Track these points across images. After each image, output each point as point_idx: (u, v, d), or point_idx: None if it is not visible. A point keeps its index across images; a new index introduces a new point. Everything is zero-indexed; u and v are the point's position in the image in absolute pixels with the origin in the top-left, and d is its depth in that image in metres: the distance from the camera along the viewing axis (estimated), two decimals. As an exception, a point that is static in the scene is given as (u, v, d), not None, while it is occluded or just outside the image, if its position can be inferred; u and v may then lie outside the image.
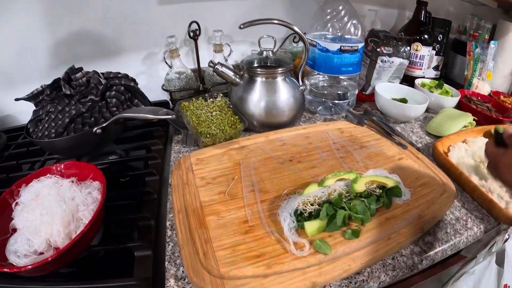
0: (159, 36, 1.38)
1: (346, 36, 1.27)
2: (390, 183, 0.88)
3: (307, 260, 0.72)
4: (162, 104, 1.43)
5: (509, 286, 1.23)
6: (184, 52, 1.48)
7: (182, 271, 0.73)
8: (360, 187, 0.84)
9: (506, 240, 1.19)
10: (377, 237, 0.79)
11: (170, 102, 1.44)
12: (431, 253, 0.82)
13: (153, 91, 1.41)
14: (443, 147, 1.19)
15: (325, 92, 1.36)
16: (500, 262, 1.19)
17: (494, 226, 0.96)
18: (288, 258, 0.72)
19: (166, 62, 1.37)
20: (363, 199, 0.84)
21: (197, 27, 1.35)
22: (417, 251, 0.81)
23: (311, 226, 0.77)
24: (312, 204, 0.80)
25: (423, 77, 1.70)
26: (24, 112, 1.12)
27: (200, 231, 0.78)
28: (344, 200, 0.82)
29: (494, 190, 1.01)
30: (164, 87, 1.39)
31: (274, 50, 1.25)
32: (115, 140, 1.19)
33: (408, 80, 1.65)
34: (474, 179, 1.05)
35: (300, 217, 0.79)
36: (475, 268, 1.18)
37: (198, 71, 1.43)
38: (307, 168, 1.01)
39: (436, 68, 1.84)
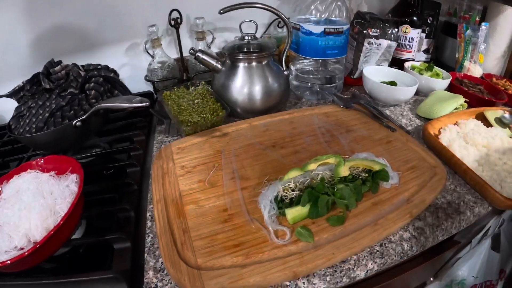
0: (141, 26, 1.35)
1: (331, 18, 1.24)
2: (376, 167, 0.85)
3: (288, 248, 0.70)
4: (146, 95, 1.40)
5: (505, 271, 1.22)
6: (167, 41, 1.45)
7: (161, 262, 0.71)
8: (344, 171, 0.80)
9: (501, 224, 1.17)
10: (363, 223, 0.76)
11: (154, 92, 1.40)
12: (422, 238, 0.79)
13: (137, 82, 1.39)
14: (434, 130, 1.17)
15: (311, 76, 1.33)
16: (495, 246, 1.17)
17: (487, 210, 0.93)
18: (268, 247, 0.70)
19: (148, 52, 1.34)
20: (348, 183, 0.81)
21: (178, 15, 1.31)
22: (407, 237, 0.78)
23: (292, 213, 0.75)
24: (293, 190, 0.78)
25: (413, 60, 1.68)
26: (10, 110, 1.09)
27: (178, 220, 0.76)
28: (327, 185, 0.79)
29: (487, 172, 0.99)
30: (147, 78, 1.35)
31: (257, 35, 1.22)
32: (98, 132, 1.17)
33: (397, 63, 1.62)
34: (467, 161, 1.02)
35: (281, 203, 0.77)
36: (470, 254, 1.17)
37: (181, 60, 1.39)
38: (291, 154, 0.98)
39: (426, 51, 1.81)
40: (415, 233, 0.79)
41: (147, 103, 0.92)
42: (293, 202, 0.77)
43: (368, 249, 0.74)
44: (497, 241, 1.18)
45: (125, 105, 0.93)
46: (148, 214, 0.84)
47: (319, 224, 0.75)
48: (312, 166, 0.82)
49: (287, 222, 0.75)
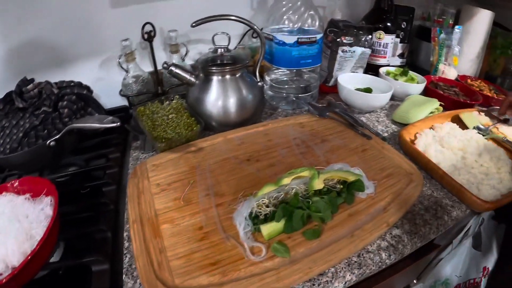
0: (115, 40, 1.33)
1: (304, 28, 1.24)
2: (351, 178, 0.85)
3: (265, 265, 0.69)
4: (121, 109, 1.39)
5: (488, 268, 1.23)
6: (141, 55, 1.43)
7: (139, 283, 0.70)
8: (318, 184, 0.80)
9: (481, 223, 1.18)
10: (340, 235, 0.76)
11: (129, 107, 1.38)
12: (399, 246, 0.79)
13: (113, 97, 1.37)
14: (409, 135, 1.18)
15: (286, 86, 1.33)
16: (476, 245, 1.18)
17: (465, 213, 0.94)
18: (244, 264, 0.69)
19: (121, 67, 1.32)
20: (323, 196, 0.81)
21: (151, 28, 1.30)
22: (384, 246, 0.78)
23: (267, 229, 0.74)
24: (267, 206, 0.77)
25: (388, 65, 1.69)
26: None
27: (154, 240, 0.75)
28: (302, 198, 0.79)
29: (464, 176, 1.00)
30: (121, 93, 1.34)
31: (231, 47, 1.21)
32: (74, 150, 1.14)
33: (373, 69, 1.63)
34: (443, 166, 1.03)
35: (256, 220, 0.76)
36: (452, 254, 1.18)
37: (156, 74, 1.38)
38: (266, 167, 0.98)
39: (401, 55, 1.83)
40: (393, 242, 0.79)
41: (118, 123, 0.91)
42: (268, 218, 0.76)
43: (346, 261, 0.74)
44: (478, 240, 1.19)
45: (96, 125, 0.91)
46: (125, 234, 0.82)
47: (295, 238, 0.75)
48: (286, 181, 0.82)
49: (263, 238, 0.74)
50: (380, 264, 0.75)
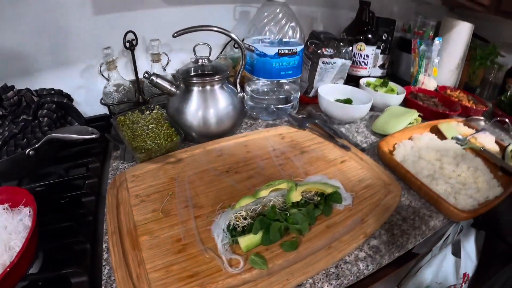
0: (96, 48, 1.32)
1: (285, 40, 1.24)
2: (328, 190, 0.85)
3: (242, 277, 0.69)
4: (102, 118, 1.37)
5: (468, 274, 1.24)
6: (123, 63, 1.43)
7: (118, 295, 0.69)
8: (295, 196, 0.81)
9: (460, 231, 1.20)
10: (317, 247, 0.77)
11: (109, 116, 1.37)
12: (377, 257, 0.80)
13: (94, 105, 1.35)
14: (388, 146, 1.19)
15: (267, 97, 1.34)
16: (456, 252, 1.20)
17: (443, 223, 0.95)
18: (222, 276, 0.69)
19: (102, 75, 1.31)
20: (300, 208, 0.81)
21: (133, 37, 1.30)
22: (362, 257, 0.79)
23: (245, 241, 0.74)
24: (245, 218, 0.77)
25: (369, 76, 1.71)
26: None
27: (133, 252, 0.74)
28: (280, 211, 0.79)
29: (442, 186, 1.01)
30: (102, 101, 1.33)
31: (212, 57, 1.22)
32: (54, 159, 1.13)
33: (353, 80, 1.65)
34: (421, 176, 1.05)
35: (234, 232, 0.76)
36: (431, 261, 1.19)
37: (137, 83, 1.37)
38: (244, 179, 0.98)
39: (382, 66, 1.85)
40: (371, 252, 0.80)
41: (97, 135, 0.91)
42: (246, 230, 0.76)
43: (324, 272, 0.74)
44: (457, 247, 1.20)
45: (75, 136, 0.91)
46: (104, 245, 0.81)
47: (272, 250, 0.75)
48: (264, 193, 0.82)
49: (241, 250, 0.74)
50: (358, 274, 0.76)
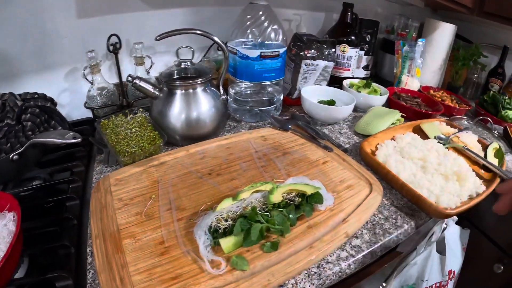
0: (81, 51, 1.32)
1: (267, 42, 1.25)
2: (309, 190, 0.86)
3: (224, 278, 0.69)
4: (86, 122, 1.37)
5: (454, 271, 1.25)
6: (107, 66, 1.43)
7: (103, 299, 0.69)
8: (276, 197, 0.81)
9: (444, 228, 1.21)
10: (298, 247, 0.77)
11: (94, 119, 1.37)
12: (359, 256, 0.81)
13: (78, 108, 1.35)
14: (370, 146, 1.20)
15: (249, 99, 1.34)
16: (441, 250, 1.21)
17: (425, 221, 0.98)
18: (204, 278, 0.69)
19: (86, 79, 1.31)
20: (281, 209, 0.82)
21: (117, 40, 1.30)
22: (344, 256, 0.80)
23: (226, 243, 0.74)
24: (226, 220, 0.77)
25: (352, 77, 1.72)
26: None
27: (117, 256, 0.74)
28: (261, 212, 0.80)
29: (424, 185, 1.03)
30: (86, 105, 1.33)
31: (196, 60, 1.22)
32: (38, 163, 1.13)
33: (337, 81, 1.66)
34: (403, 176, 1.06)
35: (216, 233, 0.76)
36: (416, 259, 1.19)
37: (120, 86, 1.37)
38: (227, 181, 0.98)
39: (366, 67, 1.87)
40: (353, 252, 0.81)
41: (79, 139, 0.91)
42: (227, 232, 0.77)
43: (305, 272, 0.75)
44: (442, 245, 1.21)
45: (58, 141, 0.92)
46: (88, 249, 0.81)
47: (254, 251, 0.75)
48: (245, 195, 0.82)
49: (222, 252, 0.74)
50: (340, 274, 0.77)
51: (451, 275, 1.26)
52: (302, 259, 0.74)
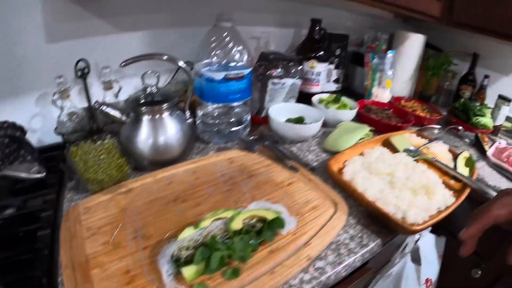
0: (50, 76, 1.31)
1: (232, 64, 1.26)
2: (270, 216, 0.87)
3: (187, 306, 0.70)
4: (58, 147, 1.36)
5: (431, 279, 1.27)
6: (77, 91, 1.42)
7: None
8: (236, 224, 0.83)
9: (418, 239, 1.23)
10: (260, 273, 0.78)
11: (64, 145, 1.37)
12: (322, 278, 0.82)
13: (50, 133, 1.33)
14: (338, 164, 1.21)
15: (217, 121, 1.35)
16: (416, 259, 1.22)
17: (393, 237, 0.98)
18: (168, 306, 0.70)
19: (55, 105, 1.31)
20: (242, 235, 0.83)
21: (85, 65, 1.31)
22: (307, 279, 0.81)
23: (188, 271, 0.75)
24: (187, 249, 0.78)
25: (322, 92, 1.74)
26: None
27: (86, 285, 0.74)
28: (222, 239, 0.81)
29: (391, 201, 1.03)
30: (56, 131, 1.32)
31: (166, 82, 1.23)
32: (10, 192, 1.11)
33: (307, 97, 1.67)
34: (370, 193, 1.06)
35: (178, 262, 0.77)
36: (391, 271, 1.21)
37: (90, 111, 1.37)
38: (192, 207, 0.99)
39: (336, 81, 1.90)
40: (316, 274, 0.82)
41: (43, 175, 0.94)
42: (189, 260, 0.78)
43: (269, 296, 0.76)
44: (416, 254, 1.23)
45: (23, 176, 0.96)
46: (59, 278, 0.81)
47: (216, 279, 0.76)
48: (206, 223, 0.83)
49: (185, 280, 0.75)
50: (303, 297, 0.78)
51: (429, 283, 1.28)
52: (263, 285, 0.75)
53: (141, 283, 0.75)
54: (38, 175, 0.93)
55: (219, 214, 0.86)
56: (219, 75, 1.22)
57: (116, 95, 1.40)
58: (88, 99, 1.37)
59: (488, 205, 0.70)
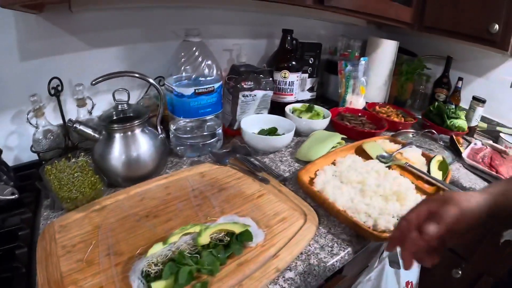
0: (25, 94, 1.32)
1: (201, 79, 1.28)
2: (238, 229, 0.89)
3: (157, 321, 0.72)
4: (35, 164, 1.37)
5: (411, 282, 1.29)
6: (51, 108, 1.42)
7: None
8: (204, 239, 0.85)
9: None
10: (228, 286, 0.80)
11: (40, 163, 1.38)
12: None
13: (26, 151, 1.34)
14: (309, 174, 1.23)
15: (190, 135, 1.37)
16: (393, 262, 1.24)
17: (365, 245, 1.00)
18: (139, 322, 0.71)
19: (30, 123, 1.32)
20: (210, 249, 0.85)
21: (58, 83, 1.32)
22: (277, 290, 0.82)
23: (157, 286, 0.77)
24: (156, 265, 0.80)
25: (296, 102, 1.76)
26: None
27: None
28: (190, 254, 0.83)
29: (361, 209, 1.05)
30: (32, 149, 1.33)
31: (139, 97, 1.24)
32: None
33: (280, 106, 1.70)
34: (341, 202, 1.08)
35: (149, 277, 0.79)
36: (370, 276, 1.22)
37: (64, 129, 1.38)
38: (163, 222, 1.00)
39: (311, 89, 1.92)
40: (285, 285, 0.84)
41: (16, 196, 0.97)
42: (158, 276, 0.80)
43: (238, 308, 0.77)
44: (395, 257, 1.25)
45: None
46: None
47: (184, 293, 0.78)
48: (175, 238, 0.85)
49: (156, 295, 0.77)
50: (274, 308, 0.79)
51: (409, 286, 1.30)
52: (232, 298, 0.77)
53: (113, 299, 0.77)
54: (12, 197, 0.94)
55: (188, 229, 0.88)
56: (189, 90, 1.23)
57: (90, 112, 1.41)
58: (63, 116, 1.38)
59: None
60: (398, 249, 1.24)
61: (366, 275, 1.23)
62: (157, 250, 0.83)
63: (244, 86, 1.44)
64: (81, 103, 1.37)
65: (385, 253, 1.24)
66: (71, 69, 1.40)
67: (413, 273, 1.33)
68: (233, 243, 0.89)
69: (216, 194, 1.13)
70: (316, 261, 0.91)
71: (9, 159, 1.20)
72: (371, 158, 1.35)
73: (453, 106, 1.89)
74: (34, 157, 1.37)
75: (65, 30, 1.35)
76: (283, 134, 1.44)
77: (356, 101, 1.88)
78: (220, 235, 0.88)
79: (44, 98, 1.35)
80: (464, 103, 2.05)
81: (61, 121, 1.41)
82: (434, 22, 1.82)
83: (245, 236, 0.90)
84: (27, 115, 1.30)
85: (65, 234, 0.97)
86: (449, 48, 2.15)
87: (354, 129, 1.58)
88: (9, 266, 0.93)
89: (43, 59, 1.35)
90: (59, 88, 1.33)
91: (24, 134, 1.40)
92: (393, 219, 1.02)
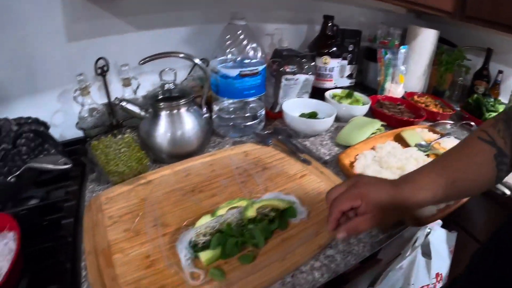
0: (71, 74, 1.35)
1: (246, 61, 1.30)
2: (282, 205, 0.91)
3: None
4: (79, 141, 1.41)
5: (441, 274, 1.28)
6: (97, 87, 1.46)
7: (96, 309, 0.74)
8: (251, 213, 0.87)
9: (428, 233, 1.24)
10: (272, 259, 0.82)
11: (85, 139, 1.41)
12: (332, 266, 0.85)
13: (71, 128, 1.38)
14: (349, 158, 1.23)
15: (233, 116, 1.39)
16: (426, 253, 1.23)
17: (401, 230, 1.00)
18: (185, 288, 0.74)
19: (76, 101, 1.36)
20: (257, 223, 0.87)
21: (104, 63, 1.35)
22: (318, 266, 0.84)
23: (205, 256, 0.80)
24: (204, 235, 0.83)
25: (336, 88, 1.77)
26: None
27: (107, 270, 0.79)
28: (236, 227, 0.85)
29: None
30: (78, 126, 1.37)
31: (183, 77, 1.26)
32: (35, 183, 1.16)
33: (320, 92, 1.70)
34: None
35: (196, 247, 0.82)
36: (402, 264, 1.22)
37: (110, 107, 1.42)
38: (208, 197, 1.03)
39: (350, 76, 1.91)
40: (326, 261, 0.85)
41: (69, 165, 0.99)
42: (206, 246, 0.82)
43: (280, 281, 0.80)
44: (427, 248, 1.24)
45: (50, 167, 0.99)
46: (83, 263, 0.85)
47: (231, 263, 0.81)
48: (222, 211, 0.88)
49: (202, 264, 0.80)
50: (314, 283, 0.81)
51: (439, 278, 1.29)
52: (275, 270, 0.80)
53: (160, 267, 0.80)
54: (65, 166, 0.97)
55: (235, 203, 0.90)
56: (234, 72, 1.25)
57: (135, 92, 1.45)
58: (108, 95, 1.41)
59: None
60: (431, 239, 1.24)
61: (398, 263, 1.23)
62: (205, 221, 0.86)
63: (287, 69, 1.45)
64: (126, 82, 1.40)
65: (418, 242, 1.24)
66: (117, 50, 1.43)
67: (443, 266, 1.31)
68: (277, 219, 0.91)
69: (259, 172, 1.15)
70: (356, 240, 0.92)
71: (55, 136, 1.23)
72: (409, 146, 1.34)
73: (492, 99, 1.84)
74: (79, 134, 1.41)
75: (111, 13, 1.38)
76: (324, 118, 1.44)
77: (394, 89, 1.86)
78: (266, 210, 0.91)
79: (90, 77, 1.38)
80: (503, 97, 2.00)
81: (106, 100, 1.44)
82: (476, 12, 1.77)
83: (289, 213, 0.92)
84: (74, 93, 1.34)
85: (111, 206, 1.01)
86: (490, 39, 2.09)
87: (393, 117, 1.57)
88: (56, 235, 0.96)
89: (89, 40, 1.38)
90: (105, 68, 1.36)
91: (69, 112, 1.43)
92: (430, 206, 1.00)
